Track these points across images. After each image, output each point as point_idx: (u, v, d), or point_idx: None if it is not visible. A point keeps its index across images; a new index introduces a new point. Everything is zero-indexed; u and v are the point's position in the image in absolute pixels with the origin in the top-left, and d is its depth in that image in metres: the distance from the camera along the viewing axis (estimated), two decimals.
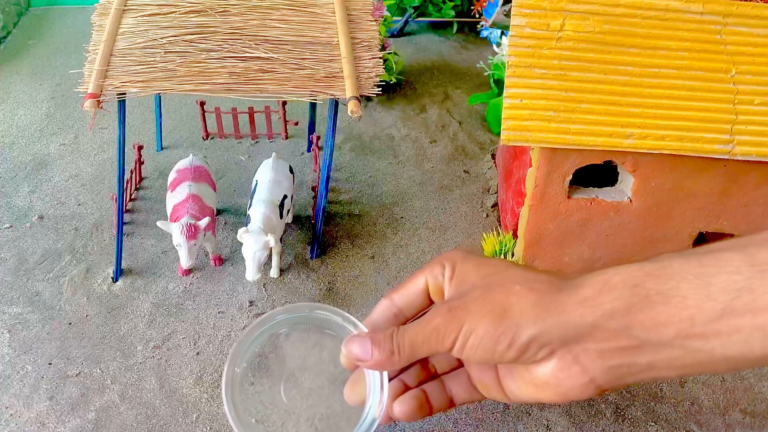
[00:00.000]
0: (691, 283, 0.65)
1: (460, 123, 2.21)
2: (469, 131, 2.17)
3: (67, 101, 2.23)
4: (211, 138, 2.06)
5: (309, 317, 0.90)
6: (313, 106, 1.96)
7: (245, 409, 0.91)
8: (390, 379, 0.84)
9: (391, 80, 2.27)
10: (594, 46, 1.43)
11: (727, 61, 1.42)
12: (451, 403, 0.85)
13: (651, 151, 1.38)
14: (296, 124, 2.05)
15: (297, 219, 1.77)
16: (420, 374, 0.88)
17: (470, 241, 1.74)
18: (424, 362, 0.89)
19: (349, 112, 1.33)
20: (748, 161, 1.39)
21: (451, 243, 1.74)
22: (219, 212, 1.75)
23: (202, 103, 1.98)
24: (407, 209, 1.84)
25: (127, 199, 1.77)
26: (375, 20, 1.52)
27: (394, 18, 2.65)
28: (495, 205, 1.87)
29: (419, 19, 2.75)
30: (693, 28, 1.44)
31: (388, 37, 2.67)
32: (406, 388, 0.86)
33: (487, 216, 1.83)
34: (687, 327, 0.64)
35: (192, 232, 1.38)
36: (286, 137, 2.07)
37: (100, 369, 1.35)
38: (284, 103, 2.00)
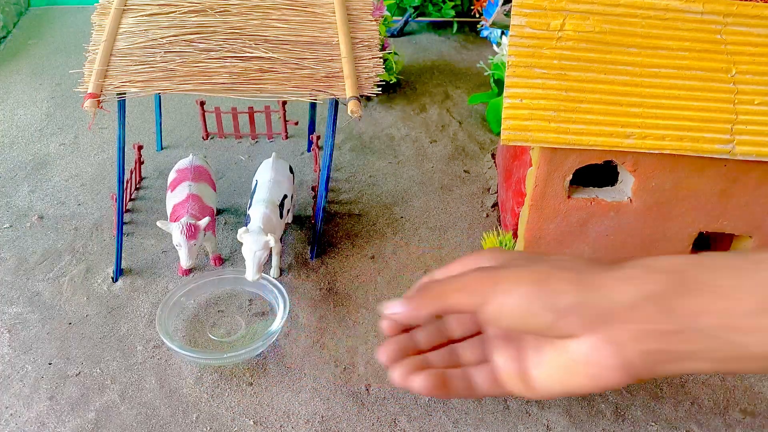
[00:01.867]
0: (732, 277, 0.64)
1: (460, 123, 2.21)
2: (469, 131, 2.17)
3: (67, 101, 2.23)
4: (211, 138, 2.06)
5: None
6: (313, 105, 1.96)
7: None
8: (406, 331, 0.88)
9: (391, 80, 2.27)
10: (594, 45, 1.43)
11: (727, 61, 1.42)
12: (471, 392, 0.84)
13: (651, 151, 1.38)
14: (296, 123, 2.05)
15: (297, 219, 1.77)
16: (435, 337, 0.88)
17: (471, 241, 1.74)
18: (441, 327, 0.89)
19: (349, 112, 1.33)
20: (749, 161, 1.39)
21: (451, 242, 1.74)
22: (219, 212, 1.75)
23: (202, 103, 1.98)
24: (407, 209, 1.84)
25: (127, 199, 1.77)
26: (375, 20, 1.52)
27: (394, 18, 2.65)
28: (495, 204, 1.86)
29: (419, 18, 2.75)
30: (693, 28, 1.44)
31: (388, 37, 2.66)
32: (419, 353, 0.86)
33: (488, 216, 1.83)
34: (727, 318, 0.63)
35: (192, 231, 1.38)
36: (286, 137, 2.07)
37: (99, 369, 1.35)
38: (284, 102, 2.00)
